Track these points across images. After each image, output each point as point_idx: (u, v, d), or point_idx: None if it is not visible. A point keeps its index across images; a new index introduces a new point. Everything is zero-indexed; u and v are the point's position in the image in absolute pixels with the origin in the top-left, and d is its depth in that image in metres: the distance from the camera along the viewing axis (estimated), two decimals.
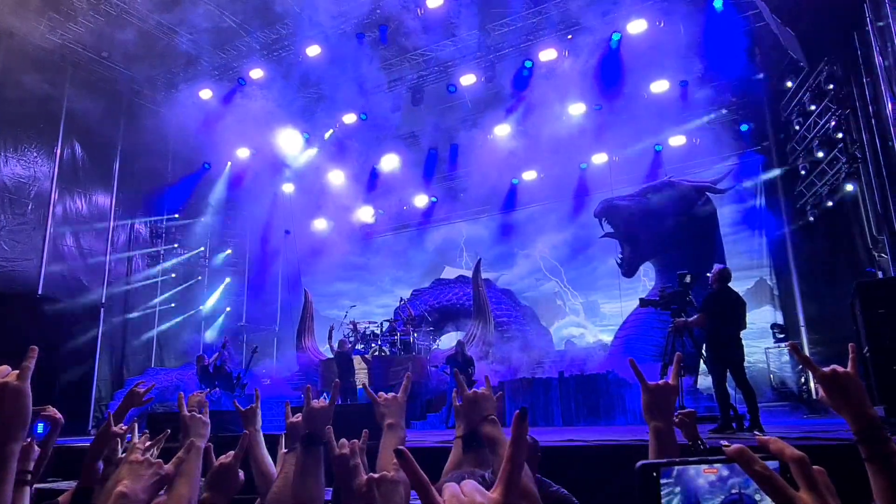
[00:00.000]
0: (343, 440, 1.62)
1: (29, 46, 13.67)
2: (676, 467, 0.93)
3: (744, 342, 6.51)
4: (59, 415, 2.58)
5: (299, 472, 1.73)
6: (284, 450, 2.12)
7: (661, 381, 1.61)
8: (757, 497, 0.91)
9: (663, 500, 0.91)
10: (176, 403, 2.29)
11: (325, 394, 11.75)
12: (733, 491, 0.91)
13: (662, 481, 0.91)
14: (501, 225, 18.05)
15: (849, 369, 1.26)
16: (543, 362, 13.73)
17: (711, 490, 0.91)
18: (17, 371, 1.24)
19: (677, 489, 0.91)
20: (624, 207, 13.91)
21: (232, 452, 1.89)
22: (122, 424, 2.25)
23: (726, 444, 0.90)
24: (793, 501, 0.77)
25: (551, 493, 3.44)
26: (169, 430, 2.28)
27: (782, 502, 0.77)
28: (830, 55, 11.28)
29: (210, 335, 18.26)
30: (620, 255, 14.25)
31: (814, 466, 0.81)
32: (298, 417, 2.08)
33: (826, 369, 1.26)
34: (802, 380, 12.59)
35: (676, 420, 2.72)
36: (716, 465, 0.93)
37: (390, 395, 2.05)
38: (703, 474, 0.92)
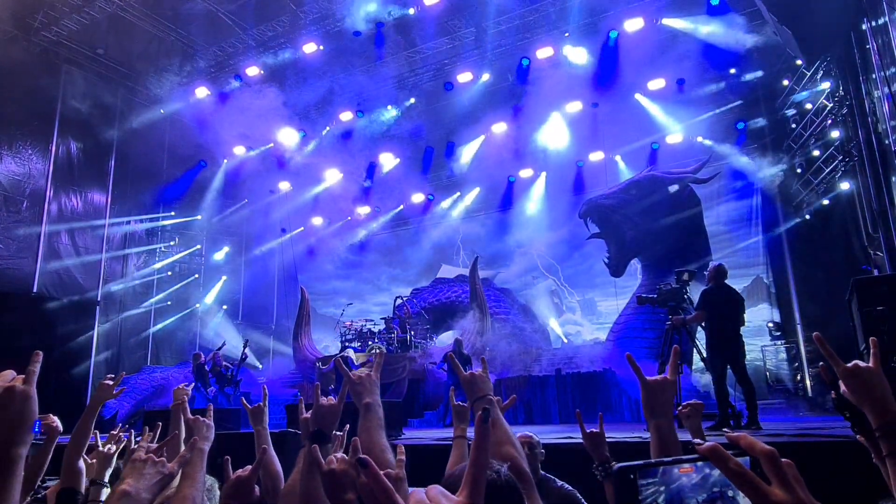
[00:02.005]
0: (331, 457, 1.47)
1: (24, 43, 13.59)
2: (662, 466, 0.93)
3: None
4: (56, 423, 2.60)
5: (306, 471, 1.70)
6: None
7: (659, 377, 1.57)
8: (730, 493, 0.92)
9: (649, 500, 0.90)
10: (170, 403, 2.29)
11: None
12: (714, 489, 0.92)
13: (648, 480, 0.91)
14: (498, 223, 18.05)
15: (871, 364, 1.25)
16: (541, 360, 13.73)
17: (693, 489, 0.92)
18: (23, 375, 1.24)
19: (662, 488, 0.91)
20: (608, 206, 13.63)
21: (249, 467, 1.87)
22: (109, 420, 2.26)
23: (699, 441, 0.91)
24: (766, 496, 0.79)
25: (555, 490, 3.44)
26: (160, 424, 2.29)
27: (755, 497, 0.79)
28: (828, 53, 11.30)
29: (207, 333, 18.22)
30: (608, 255, 14.08)
31: (783, 460, 0.82)
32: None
33: (849, 364, 1.26)
34: (798, 377, 12.63)
35: (685, 411, 2.70)
36: (695, 464, 0.93)
37: (363, 372, 1.96)
38: (683, 474, 0.93)
